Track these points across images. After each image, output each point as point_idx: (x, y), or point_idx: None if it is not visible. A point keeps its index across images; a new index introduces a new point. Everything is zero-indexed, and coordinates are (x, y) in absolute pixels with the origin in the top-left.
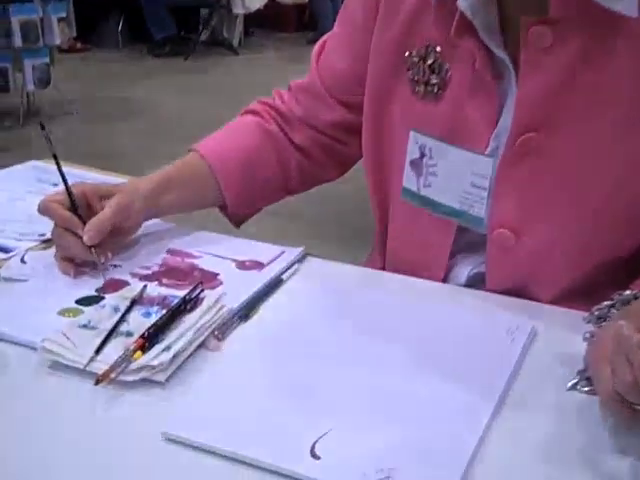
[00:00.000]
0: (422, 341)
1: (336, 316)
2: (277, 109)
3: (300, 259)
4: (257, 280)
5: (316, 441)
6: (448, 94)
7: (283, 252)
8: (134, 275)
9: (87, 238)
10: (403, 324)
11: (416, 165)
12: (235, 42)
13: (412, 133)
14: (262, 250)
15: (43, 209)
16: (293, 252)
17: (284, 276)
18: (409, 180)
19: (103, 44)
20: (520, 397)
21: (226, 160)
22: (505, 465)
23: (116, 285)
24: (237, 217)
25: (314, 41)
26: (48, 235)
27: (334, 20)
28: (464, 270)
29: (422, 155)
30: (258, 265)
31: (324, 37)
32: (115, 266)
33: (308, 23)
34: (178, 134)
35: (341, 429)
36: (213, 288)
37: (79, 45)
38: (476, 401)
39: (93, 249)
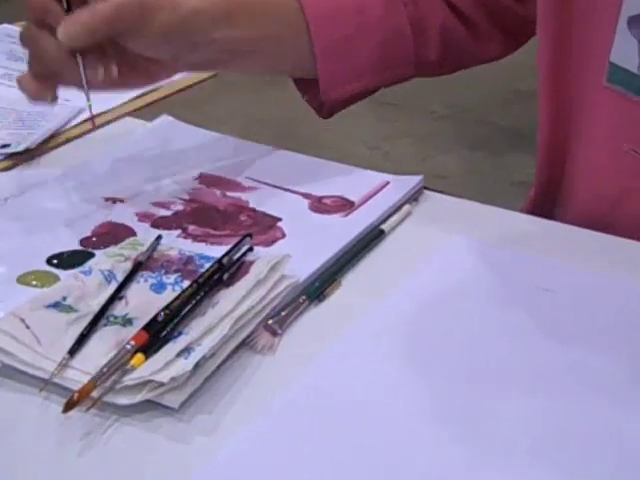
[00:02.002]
0: None
1: (485, 301)
2: None
3: (415, 196)
4: (342, 231)
5: None
6: None
7: (387, 183)
8: (143, 217)
9: (62, 32)
10: (613, 322)
11: (638, 26)
12: None
13: None
14: (353, 178)
15: None
16: (403, 183)
17: (385, 226)
18: (622, 53)
19: None
20: None
21: None
22: None
23: (113, 233)
24: (328, 97)
25: None
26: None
27: None
28: None
29: None
30: (345, 205)
31: None
32: (115, 200)
33: None
34: None
35: None
36: (269, 244)
37: None
38: None
39: (80, 58)
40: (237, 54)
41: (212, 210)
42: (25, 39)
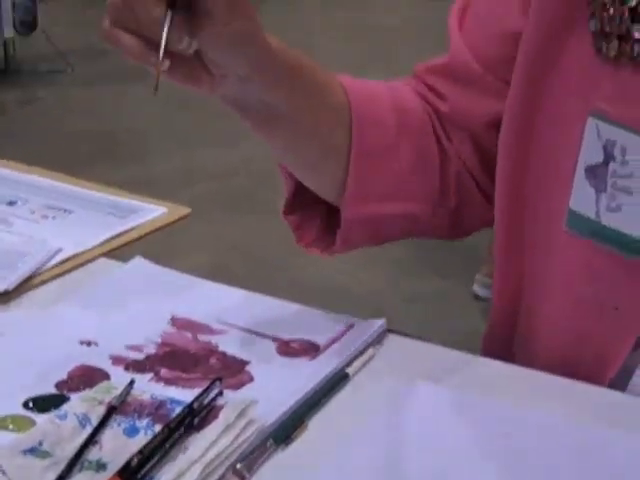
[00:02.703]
0: None
1: (450, 445)
2: (425, 98)
3: (378, 339)
4: (309, 375)
5: None
6: None
7: (352, 326)
8: (117, 360)
9: None
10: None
11: (596, 175)
12: None
13: (592, 121)
14: (319, 321)
15: None
16: (366, 327)
17: (350, 369)
18: (581, 199)
19: None
20: None
21: (374, 108)
22: None
23: (88, 376)
24: (348, 211)
25: None
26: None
27: None
28: None
29: (608, 158)
30: (311, 348)
31: None
32: (89, 343)
33: None
34: (217, 105)
35: None
36: (238, 388)
37: None
38: None
39: (169, 12)
40: (277, 112)
41: (183, 353)
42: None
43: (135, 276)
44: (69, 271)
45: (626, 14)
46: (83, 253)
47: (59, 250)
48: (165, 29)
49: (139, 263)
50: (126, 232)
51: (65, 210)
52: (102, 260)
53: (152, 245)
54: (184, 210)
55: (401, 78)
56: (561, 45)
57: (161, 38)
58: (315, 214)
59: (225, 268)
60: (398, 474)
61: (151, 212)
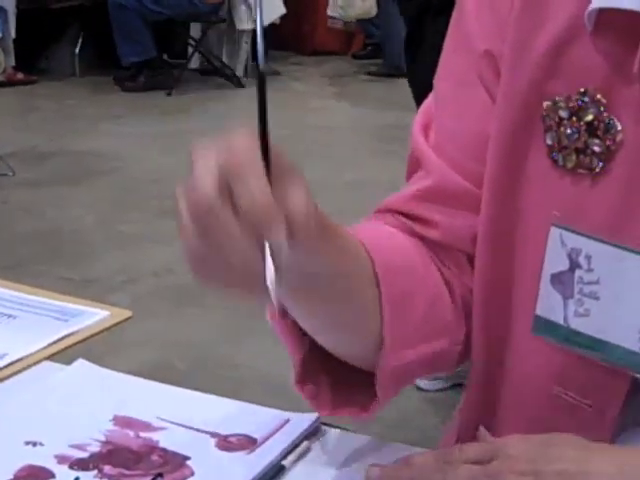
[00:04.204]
0: None
1: None
2: (410, 230)
3: (313, 432)
4: (247, 468)
5: None
6: (618, 169)
7: (287, 421)
8: (61, 459)
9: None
10: None
11: (562, 282)
12: (239, 70)
13: (555, 230)
14: (256, 417)
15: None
16: (301, 421)
17: (286, 462)
18: (548, 306)
19: (54, 73)
20: None
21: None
22: None
23: (34, 476)
24: (388, 363)
25: (363, 57)
26: None
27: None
28: None
29: (574, 266)
30: (249, 442)
31: (424, 106)
32: (34, 444)
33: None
34: (157, 205)
35: None
36: None
37: (20, 76)
38: None
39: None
40: (315, 281)
41: (125, 451)
42: (194, 209)
43: (78, 378)
44: (14, 374)
45: (583, 129)
46: (27, 357)
47: (4, 355)
48: (268, 260)
49: (81, 365)
50: (69, 335)
51: (9, 316)
52: (46, 363)
53: (95, 344)
54: (126, 313)
55: (365, 220)
56: (523, 154)
57: (265, 269)
58: (324, 380)
59: (168, 364)
60: None
61: (94, 315)
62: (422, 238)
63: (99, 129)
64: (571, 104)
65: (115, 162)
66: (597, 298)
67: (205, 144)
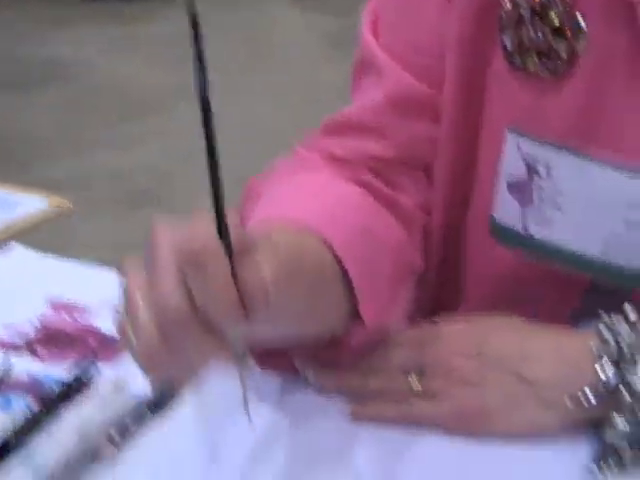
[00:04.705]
0: None
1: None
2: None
3: None
4: None
5: None
6: (582, 72)
7: None
8: None
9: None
10: None
11: (520, 190)
12: None
13: (511, 137)
14: None
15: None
16: None
17: None
18: (506, 213)
19: None
20: None
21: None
22: None
23: None
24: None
25: None
26: None
27: None
28: None
29: (531, 173)
30: None
31: (371, 1)
32: None
33: None
34: (117, 112)
35: None
36: (115, 363)
37: None
38: None
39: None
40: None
41: (61, 334)
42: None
43: (11, 261)
44: None
45: (546, 30)
46: None
47: None
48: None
49: (15, 249)
50: (9, 225)
51: None
52: None
53: (42, 244)
54: (65, 203)
55: (303, 152)
56: (481, 57)
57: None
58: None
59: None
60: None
61: (32, 203)
62: (373, 158)
63: (56, 35)
64: (533, 2)
65: (72, 68)
66: (559, 208)
67: (164, 230)
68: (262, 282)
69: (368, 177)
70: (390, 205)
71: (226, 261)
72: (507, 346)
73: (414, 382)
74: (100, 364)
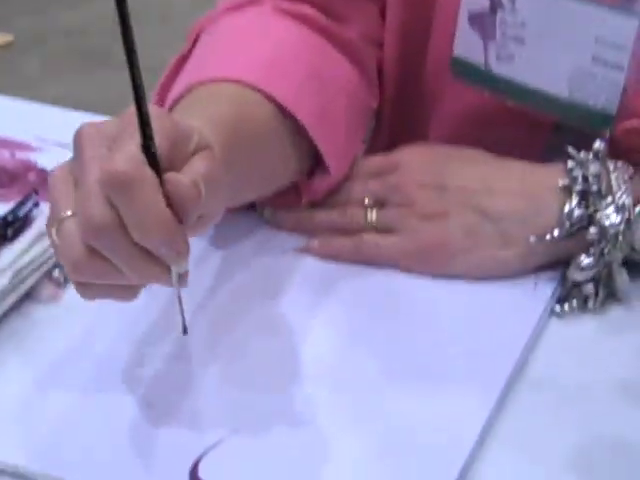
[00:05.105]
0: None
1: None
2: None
3: None
4: None
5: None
6: None
7: None
8: None
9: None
10: None
11: (482, 22)
12: None
13: None
14: None
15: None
16: None
17: None
18: (466, 47)
19: None
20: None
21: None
22: None
23: None
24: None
25: None
26: None
27: None
28: None
29: (495, 5)
30: None
31: None
32: None
33: None
34: None
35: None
36: None
37: None
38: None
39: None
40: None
41: (0, 171)
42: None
43: None
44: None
45: None
46: None
47: None
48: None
49: None
50: None
51: None
52: None
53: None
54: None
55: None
56: None
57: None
58: None
59: None
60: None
61: None
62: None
63: None
64: None
65: None
66: (522, 42)
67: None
68: (195, 184)
69: (311, 11)
70: (337, 41)
71: (153, 179)
72: (470, 179)
73: (371, 215)
74: (41, 202)
